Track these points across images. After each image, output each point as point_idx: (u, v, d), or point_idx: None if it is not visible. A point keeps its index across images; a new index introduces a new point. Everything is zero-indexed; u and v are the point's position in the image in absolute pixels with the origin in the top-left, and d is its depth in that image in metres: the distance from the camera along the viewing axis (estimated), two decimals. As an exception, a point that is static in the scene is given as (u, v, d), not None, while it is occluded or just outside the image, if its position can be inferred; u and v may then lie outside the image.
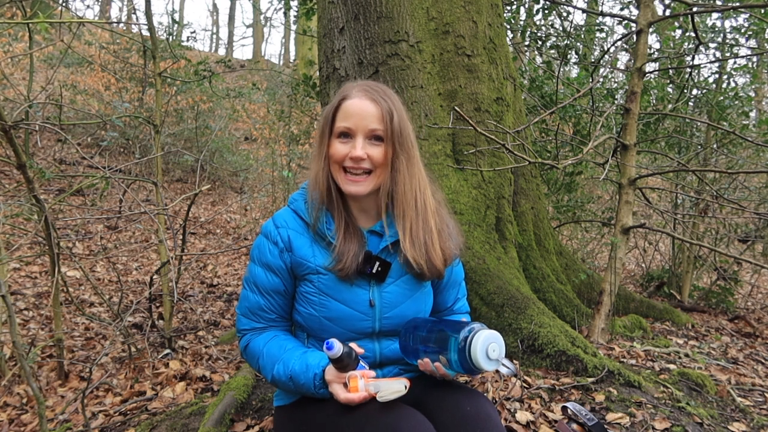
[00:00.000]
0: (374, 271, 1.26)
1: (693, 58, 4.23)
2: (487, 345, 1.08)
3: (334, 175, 1.27)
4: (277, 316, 1.32)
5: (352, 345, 1.13)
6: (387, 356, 1.32)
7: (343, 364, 1.09)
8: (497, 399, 1.94)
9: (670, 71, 4.95)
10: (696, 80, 4.83)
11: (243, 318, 1.33)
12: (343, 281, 1.25)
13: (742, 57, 5.17)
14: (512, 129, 3.03)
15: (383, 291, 1.28)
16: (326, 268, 1.25)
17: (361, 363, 1.15)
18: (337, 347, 1.07)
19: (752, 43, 4.89)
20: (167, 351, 2.85)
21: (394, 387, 1.08)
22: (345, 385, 1.11)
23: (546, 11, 5.54)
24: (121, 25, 11.18)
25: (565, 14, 5.72)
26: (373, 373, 1.13)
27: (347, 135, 1.25)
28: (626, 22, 5.08)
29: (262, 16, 19.24)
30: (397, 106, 1.27)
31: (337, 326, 1.26)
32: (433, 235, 1.29)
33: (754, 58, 5.96)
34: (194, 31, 22.99)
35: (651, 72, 4.50)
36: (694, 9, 3.20)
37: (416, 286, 1.33)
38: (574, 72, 8.28)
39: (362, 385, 1.08)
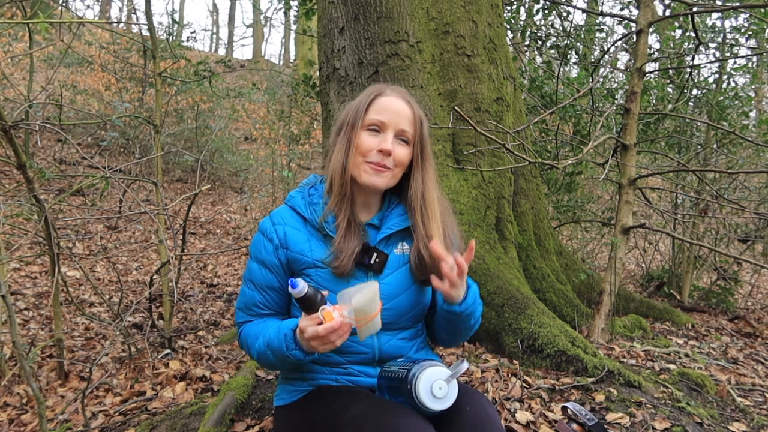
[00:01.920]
0: (371, 262, 1.27)
1: (693, 58, 4.23)
2: (431, 386, 1.07)
3: (352, 166, 1.28)
4: (272, 312, 1.33)
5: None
6: (386, 352, 1.31)
7: (311, 302, 1.08)
8: (497, 399, 1.94)
9: (670, 71, 4.95)
10: (696, 80, 4.82)
11: (239, 312, 1.36)
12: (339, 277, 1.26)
13: (742, 57, 5.18)
14: (512, 129, 3.03)
15: (381, 282, 1.29)
16: (323, 262, 1.26)
17: (328, 302, 1.12)
18: (302, 284, 1.05)
19: (752, 43, 4.89)
20: (167, 351, 2.85)
21: (366, 290, 1.07)
22: (320, 324, 1.08)
23: (546, 11, 5.54)
24: (121, 25, 11.19)
25: (565, 14, 5.72)
26: (342, 305, 1.10)
27: (377, 129, 1.28)
28: (626, 22, 5.08)
29: (262, 16, 19.27)
30: (424, 115, 1.34)
31: None
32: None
33: (754, 58, 5.96)
34: (194, 31, 23.03)
35: (651, 72, 4.50)
36: (694, 9, 3.20)
37: (414, 277, 1.34)
38: (574, 72, 8.29)
39: (337, 315, 1.07)
